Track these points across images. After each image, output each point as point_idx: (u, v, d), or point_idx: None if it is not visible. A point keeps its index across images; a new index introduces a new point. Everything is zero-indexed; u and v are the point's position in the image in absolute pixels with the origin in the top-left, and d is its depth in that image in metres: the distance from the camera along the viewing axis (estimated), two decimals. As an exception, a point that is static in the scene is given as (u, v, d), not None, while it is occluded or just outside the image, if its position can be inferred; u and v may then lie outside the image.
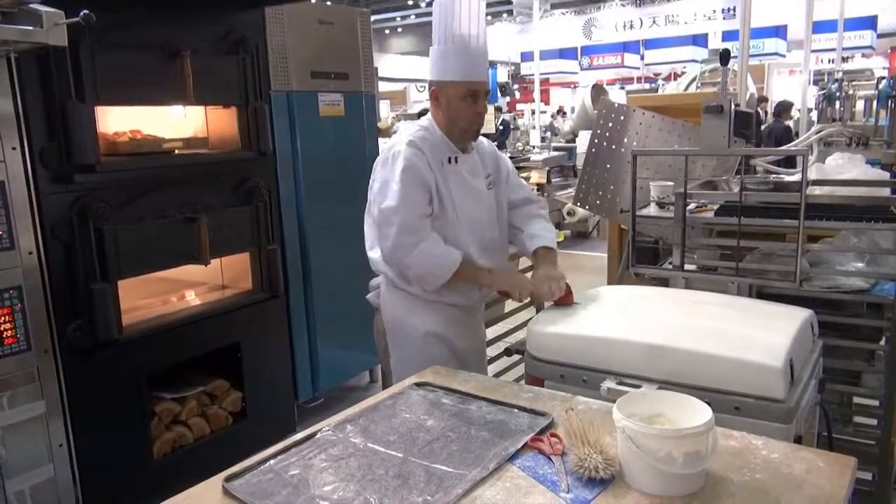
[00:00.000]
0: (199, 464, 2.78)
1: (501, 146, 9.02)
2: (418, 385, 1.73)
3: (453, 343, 2.14)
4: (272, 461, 1.37)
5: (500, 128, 10.54)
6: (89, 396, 2.52)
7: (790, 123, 9.27)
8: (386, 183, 2.02)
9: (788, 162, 3.78)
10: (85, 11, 2.01)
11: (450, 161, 2.11)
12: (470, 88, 2.04)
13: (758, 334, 1.67)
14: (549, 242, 2.26)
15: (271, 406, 3.32)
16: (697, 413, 1.26)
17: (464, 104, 2.05)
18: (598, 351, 1.74)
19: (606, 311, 1.98)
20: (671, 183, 2.63)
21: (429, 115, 2.15)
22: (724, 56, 2.53)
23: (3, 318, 2.23)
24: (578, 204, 3.36)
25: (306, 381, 3.65)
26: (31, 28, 1.96)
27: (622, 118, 3.15)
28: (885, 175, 2.79)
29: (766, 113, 10.74)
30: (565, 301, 2.04)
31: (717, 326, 1.77)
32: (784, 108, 9.35)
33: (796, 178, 2.63)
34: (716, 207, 2.50)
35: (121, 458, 2.67)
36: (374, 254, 2.17)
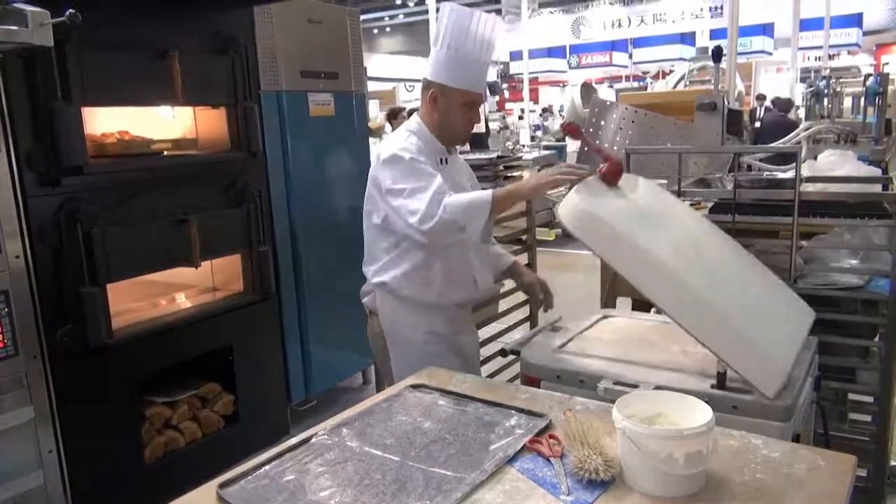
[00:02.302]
0: (192, 468, 2.77)
1: (485, 146, 9.00)
2: (414, 387, 1.71)
3: (452, 340, 2.14)
4: (267, 467, 1.35)
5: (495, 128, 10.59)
6: (79, 402, 2.49)
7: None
8: (398, 174, 1.97)
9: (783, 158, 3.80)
10: (71, 11, 1.98)
11: (442, 162, 2.11)
12: (471, 98, 2.07)
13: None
14: (512, 257, 2.35)
15: (264, 409, 3.29)
16: (697, 412, 1.25)
17: (462, 111, 2.08)
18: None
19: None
20: (664, 181, 2.63)
21: (416, 117, 2.15)
22: (717, 53, 2.53)
23: (-10, 324, 2.19)
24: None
25: (299, 383, 3.63)
26: (15, 28, 1.93)
27: (613, 116, 3.14)
28: (878, 171, 2.80)
29: (763, 109, 10.93)
30: (611, 178, 1.76)
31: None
32: (789, 104, 9.74)
33: (789, 174, 2.63)
34: (710, 205, 2.50)
35: (112, 463, 2.63)
36: (368, 268, 2.16)
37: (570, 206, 1.64)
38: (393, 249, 2.09)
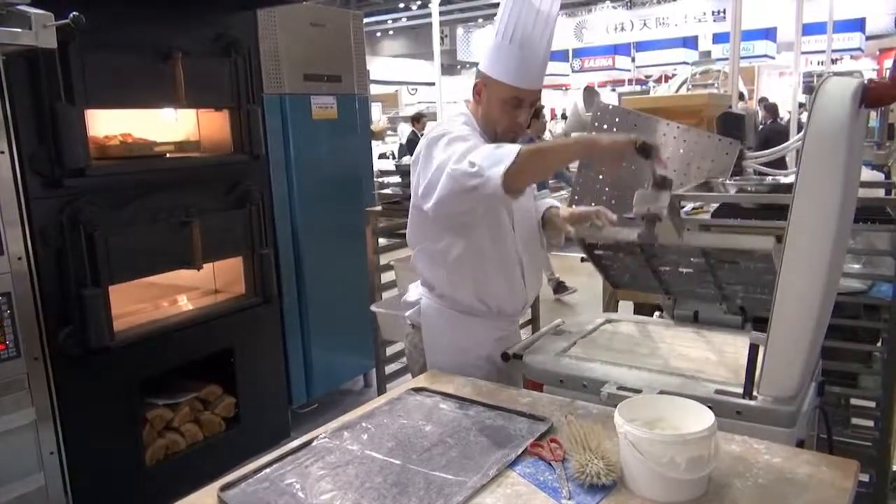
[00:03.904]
0: (193, 470, 2.77)
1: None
2: (415, 390, 1.71)
3: (496, 360, 1.95)
4: (268, 469, 1.35)
5: None
6: (80, 404, 2.48)
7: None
8: (446, 142, 1.70)
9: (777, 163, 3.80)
10: (74, 13, 1.99)
11: None
12: (515, 95, 1.81)
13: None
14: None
15: (265, 411, 3.29)
16: (699, 417, 1.24)
17: (503, 108, 1.83)
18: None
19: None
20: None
21: (465, 105, 1.94)
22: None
23: (-8, 325, 2.19)
24: (574, 206, 3.34)
25: (300, 385, 3.63)
26: (19, 30, 1.93)
27: (616, 120, 3.13)
28: (880, 176, 2.79)
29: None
30: (875, 100, 1.40)
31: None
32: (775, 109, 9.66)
33: (792, 178, 2.62)
34: (712, 208, 2.50)
35: (113, 465, 2.63)
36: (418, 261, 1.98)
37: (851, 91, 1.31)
38: (451, 249, 1.87)
